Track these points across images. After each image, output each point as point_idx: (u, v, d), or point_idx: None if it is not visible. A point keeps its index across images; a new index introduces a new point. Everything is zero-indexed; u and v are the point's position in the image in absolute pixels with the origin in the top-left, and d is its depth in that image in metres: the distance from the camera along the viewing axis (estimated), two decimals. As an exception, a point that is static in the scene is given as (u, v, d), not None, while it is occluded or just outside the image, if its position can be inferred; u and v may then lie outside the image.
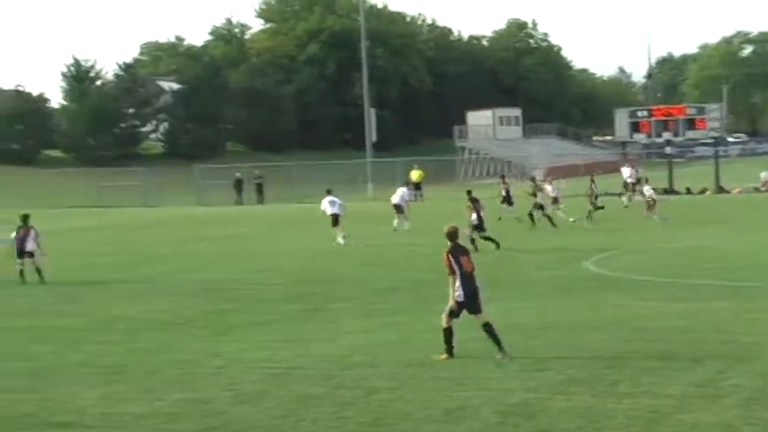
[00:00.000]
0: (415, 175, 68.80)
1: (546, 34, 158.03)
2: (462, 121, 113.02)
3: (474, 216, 35.14)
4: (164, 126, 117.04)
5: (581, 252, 31.77)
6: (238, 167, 76.36)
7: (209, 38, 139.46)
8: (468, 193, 37.22)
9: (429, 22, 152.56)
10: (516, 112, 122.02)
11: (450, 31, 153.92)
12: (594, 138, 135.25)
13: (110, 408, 14.06)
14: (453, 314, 16.43)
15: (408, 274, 28.23)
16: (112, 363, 16.99)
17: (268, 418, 13.38)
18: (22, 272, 29.05)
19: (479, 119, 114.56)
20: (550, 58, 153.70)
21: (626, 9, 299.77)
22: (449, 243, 16.70)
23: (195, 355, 17.54)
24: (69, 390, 15.15)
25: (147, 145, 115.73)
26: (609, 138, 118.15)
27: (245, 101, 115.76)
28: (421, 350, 17.00)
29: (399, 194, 44.07)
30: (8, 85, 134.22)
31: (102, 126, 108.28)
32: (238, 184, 73.21)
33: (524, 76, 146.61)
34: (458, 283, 16.32)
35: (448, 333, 16.46)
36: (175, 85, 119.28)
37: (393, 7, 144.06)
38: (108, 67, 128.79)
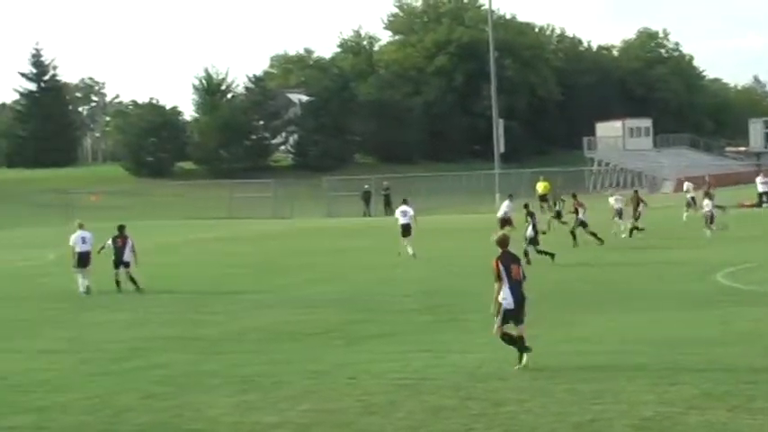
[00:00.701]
0: (540, 186, 68.17)
1: (677, 44, 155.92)
2: (591, 132, 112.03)
3: (530, 230, 34.98)
4: (293, 138, 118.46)
5: (709, 265, 31.14)
6: (366, 179, 76.86)
7: (338, 50, 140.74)
8: (525, 206, 37.37)
9: (558, 32, 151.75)
10: (647, 122, 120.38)
11: (579, 41, 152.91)
12: (727, 148, 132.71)
13: (242, 417, 14.28)
14: (505, 321, 16.57)
15: (539, 285, 28.00)
16: (245, 373, 17.25)
17: (398, 429, 13.43)
18: (118, 282, 30.24)
19: (609, 130, 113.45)
20: (682, 67, 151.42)
21: (759, 18, 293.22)
22: (499, 250, 16.81)
23: (326, 365, 17.70)
24: (203, 398, 15.45)
25: (276, 157, 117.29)
26: (742, 148, 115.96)
27: (374, 112, 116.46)
28: (553, 362, 16.87)
29: (504, 208, 43.84)
30: (143, 98, 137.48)
31: (232, 138, 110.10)
32: (366, 196, 73.64)
33: (655, 86, 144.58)
34: (506, 292, 16.45)
35: (508, 337, 16.64)
36: (304, 98, 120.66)
37: (522, 18, 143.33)
38: (238, 80, 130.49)
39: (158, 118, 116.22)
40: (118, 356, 19.30)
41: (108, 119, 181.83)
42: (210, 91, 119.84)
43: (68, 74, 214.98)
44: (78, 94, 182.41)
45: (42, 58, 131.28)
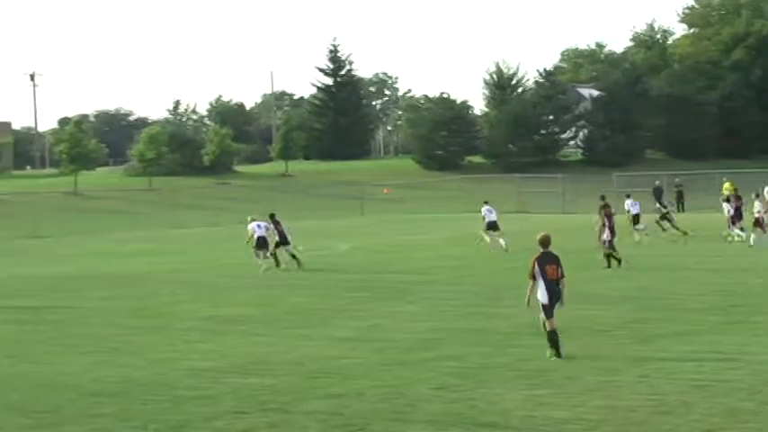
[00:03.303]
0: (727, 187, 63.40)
1: None
2: None
3: (607, 232, 33.50)
4: (582, 133, 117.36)
5: None
6: (657, 175, 75.24)
7: (630, 44, 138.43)
8: (602, 198, 36.05)
9: None
10: None
11: None
12: None
13: (533, 411, 14.35)
14: (549, 315, 17.74)
15: None
16: (536, 367, 17.31)
17: (692, 430, 13.17)
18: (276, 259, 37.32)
19: None
20: None
21: None
22: (540, 249, 17.82)
23: (616, 362, 17.53)
24: (495, 391, 15.61)
25: (565, 152, 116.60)
26: None
27: (665, 107, 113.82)
28: None
29: (627, 206, 45.00)
30: (434, 92, 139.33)
31: (521, 133, 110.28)
32: (657, 192, 72.03)
33: None
34: (542, 289, 17.68)
35: (554, 335, 17.76)
36: (595, 92, 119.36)
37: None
38: (529, 75, 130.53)
39: (449, 112, 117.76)
40: (411, 347, 19.74)
41: (400, 113, 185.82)
42: (501, 85, 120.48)
43: (363, 69, 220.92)
44: (372, 89, 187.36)
45: (339, 54, 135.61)
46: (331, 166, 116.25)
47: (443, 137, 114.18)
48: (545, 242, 17.97)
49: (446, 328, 21.89)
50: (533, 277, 17.81)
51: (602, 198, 36.47)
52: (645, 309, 24.10)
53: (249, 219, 39.09)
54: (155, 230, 66.83)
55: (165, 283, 33.73)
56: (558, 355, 17.75)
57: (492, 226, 42.04)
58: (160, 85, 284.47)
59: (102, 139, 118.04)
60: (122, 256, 45.66)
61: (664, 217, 48.27)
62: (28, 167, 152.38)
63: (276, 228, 38.33)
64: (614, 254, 33.68)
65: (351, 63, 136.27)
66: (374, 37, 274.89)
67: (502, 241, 40.88)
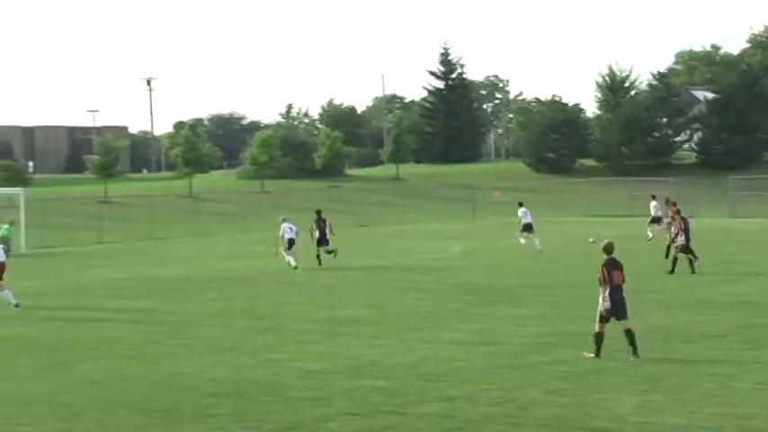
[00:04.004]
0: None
1: None
2: None
3: (681, 238, 32.76)
4: (697, 136, 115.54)
5: None
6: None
7: (747, 45, 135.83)
8: (673, 204, 35.31)
9: None
10: None
11: None
12: None
13: (647, 417, 14.24)
14: (603, 319, 18.49)
15: None
16: (648, 372, 17.17)
17: (810, 439, 12.95)
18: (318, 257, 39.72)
19: None
20: None
21: None
22: (605, 256, 18.67)
23: (730, 368, 17.30)
24: (607, 396, 15.53)
25: (679, 155, 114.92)
26: None
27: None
28: None
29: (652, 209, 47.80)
30: (546, 95, 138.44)
31: (634, 135, 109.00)
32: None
33: None
34: (607, 294, 18.37)
35: (599, 336, 18.51)
36: (709, 95, 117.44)
37: None
38: (642, 77, 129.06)
39: (560, 115, 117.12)
40: (522, 350, 19.72)
41: (511, 116, 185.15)
42: (614, 88, 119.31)
43: (474, 72, 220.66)
44: (483, 92, 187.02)
45: (450, 57, 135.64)
46: (442, 170, 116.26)
47: (555, 140, 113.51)
48: (609, 249, 18.82)
49: (557, 332, 21.81)
50: (603, 282, 18.52)
51: (674, 204, 35.95)
52: (758, 314, 23.69)
53: (281, 219, 40.52)
54: (267, 233, 67.53)
55: (278, 284, 34.13)
56: (598, 355, 18.42)
57: (527, 228, 44.00)
58: (273, 88, 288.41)
59: (215, 143, 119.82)
60: (236, 258, 46.27)
61: None
62: (144, 171, 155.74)
63: (318, 225, 40.60)
64: (691, 258, 33.14)
65: (462, 66, 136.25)
66: (486, 40, 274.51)
67: (537, 242, 42.81)
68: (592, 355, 18.53)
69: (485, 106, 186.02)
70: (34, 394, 17.14)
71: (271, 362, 19.27)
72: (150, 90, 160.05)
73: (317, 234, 40.63)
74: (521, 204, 45.17)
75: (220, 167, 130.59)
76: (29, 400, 16.69)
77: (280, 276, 36.76)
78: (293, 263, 38.29)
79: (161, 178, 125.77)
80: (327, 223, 41.00)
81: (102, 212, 72.32)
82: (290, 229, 39.42)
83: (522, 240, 43.89)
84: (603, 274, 18.51)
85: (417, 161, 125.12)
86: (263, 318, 25.85)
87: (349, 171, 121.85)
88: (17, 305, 28.87)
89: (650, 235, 47.83)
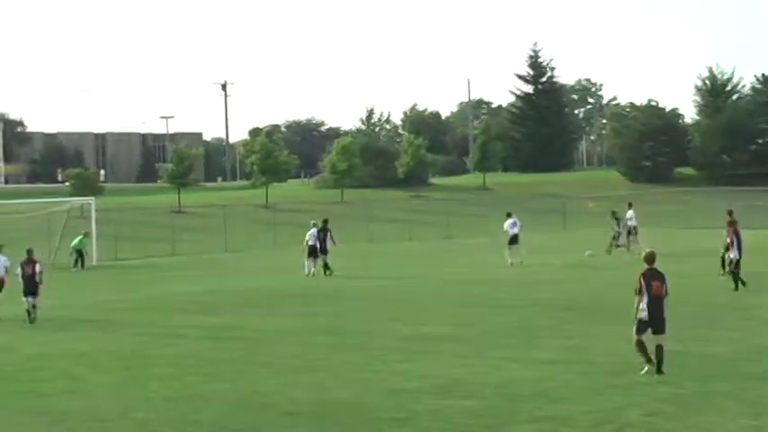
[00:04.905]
0: None
1: None
2: None
3: (735, 252, 32.12)
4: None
5: None
6: None
7: None
8: (729, 214, 34.64)
9: None
10: None
11: None
12: None
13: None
14: (640, 330, 18.70)
15: None
16: (757, 395, 16.87)
17: None
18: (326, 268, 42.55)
19: None
20: None
21: None
22: (645, 266, 18.97)
23: None
24: (712, 419, 15.28)
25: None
26: None
27: None
28: None
29: None
30: (641, 100, 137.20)
31: (737, 143, 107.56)
32: None
33: None
34: (644, 304, 18.61)
35: (640, 345, 18.74)
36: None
37: None
38: (745, 80, 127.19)
39: (657, 120, 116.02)
40: (619, 370, 19.45)
41: (604, 121, 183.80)
42: (714, 92, 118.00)
43: (565, 75, 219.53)
44: (574, 96, 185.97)
45: (540, 60, 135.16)
46: (531, 178, 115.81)
47: (651, 147, 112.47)
48: (650, 259, 19.15)
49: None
50: (639, 292, 18.74)
51: (730, 214, 35.32)
52: None
53: (312, 223, 44.45)
54: (347, 245, 67.73)
55: (361, 299, 34.18)
56: (650, 361, 18.68)
57: (513, 240, 45.92)
58: (353, 93, 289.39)
59: (293, 150, 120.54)
60: (316, 271, 46.47)
61: None
62: (219, 179, 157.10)
63: (319, 234, 43.46)
64: (737, 274, 32.46)
65: (552, 69, 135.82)
66: (577, 41, 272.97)
67: (523, 252, 45.65)
68: (645, 367, 18.68)
69: (576, 111, 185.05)
70: (107, 411, 17.32)
71: (354, 381, 19.26)
72: (225, 95, 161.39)
73: (311, 243, 43.53)
74: (509, 215, 46.77)
75: (298, 176, 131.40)
76: (101, 417, 16.87)
77: (363, 291, 36.80)
78: (313, 270, 42.56)
79: (236, 187, 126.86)
80: (330, 234, 44.04)
81: (175, 223, 73.23)
82: (314, 236, 43.34)
83: (509, 259, 45.13)
84: (641, 283, 18.75)
85: (505, 170, 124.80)
86: (346, 334, 25.88)
87: (433, 180, 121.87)
88: None
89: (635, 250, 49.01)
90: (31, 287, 31.04)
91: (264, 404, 17.51)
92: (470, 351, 22.54)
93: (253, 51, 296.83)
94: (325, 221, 44.76)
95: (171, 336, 26.68)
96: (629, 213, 51.56)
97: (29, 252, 32.09)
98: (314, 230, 43.66)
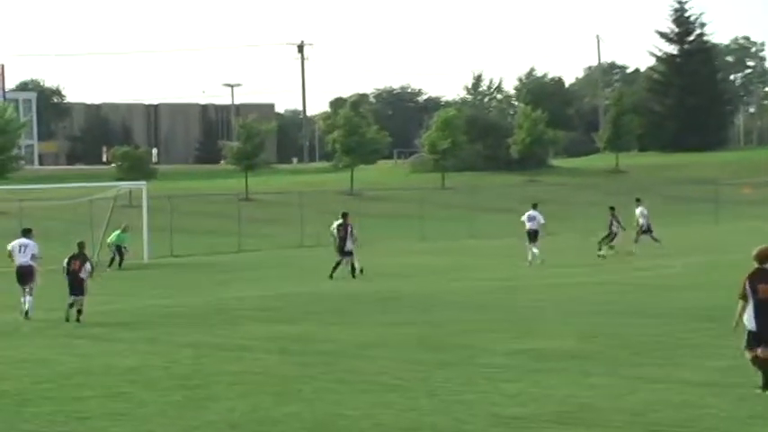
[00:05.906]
0: None
1: None
2: None
3: None
4: None
5: None
6: None
7: None
8: None
9: None
10: None
11: None
12: None
13: None
14: (750, 344, 18.66)
15: None
16: None
17: None
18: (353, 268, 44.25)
19: None
20: None
21: None
22: (755, 265, 18.84)
23: None
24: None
25: None
26: None
27: None
28: None
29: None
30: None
31: None
32: None
33: None
34: (750, 312, 18.58)
35: (755, 361, 18.70)
36: None
37: None
38: None
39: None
40: (780, 395, 19.37)
41: (767, 90, 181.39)
42: None
43: (719, 33, 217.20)
44: (730, 59, 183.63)
45: (687, 14, 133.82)
46: (675, 160, 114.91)
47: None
48: (761, 257, 18.95)
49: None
50: (744, 297, 18.83)
51: None
52: None
53: (342, 214, 46.13)
54: (449, 240, 67.85)
55: (463, 306, 34.28)
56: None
57: (532, 236, 48.48)
58: (456, 56, 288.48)
59: (384, 126, 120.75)
60: (409, 273, 46.64)
61: None
62: (294, 160, 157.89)
63: (339, 229, 45.04)
64: None
65: (702, 25, 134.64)
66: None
67: (535, 250, 47.69)
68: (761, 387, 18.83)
69: (732, 78, 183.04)
70: (160, 438, 17.62)
71: (453, 404, 19.35)
72: (302, 59, 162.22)
73: (337, 240, 45.11)
74: (535, 206, 48.92)
75: (389, 157, 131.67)
76: (154, 445, 17.18)
77: (467, 296, 36.89)
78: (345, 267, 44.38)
79: (315, 170, 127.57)
80: (350, 230, 45.07)
81: (242, 213, 73.82)
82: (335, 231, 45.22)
83: (528, 253, 47.77)
84: (745, 287, 18.80)
85: (642, 149, 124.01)
86: (445, 348, 25.98)
87: (554, 161, 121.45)
88: None
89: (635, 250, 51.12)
90: (75, 286, 31.72)
91: (347, 429, 17.70)
92: (597, 369, 22.52)
93: (335, 5, 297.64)
94: (345, 215, 45.97)
95: (236, 348, 26.94)
96: (639, 210, 53.00)
97: (80, 246, 32.72)
98: (339, 223, 45.20)
